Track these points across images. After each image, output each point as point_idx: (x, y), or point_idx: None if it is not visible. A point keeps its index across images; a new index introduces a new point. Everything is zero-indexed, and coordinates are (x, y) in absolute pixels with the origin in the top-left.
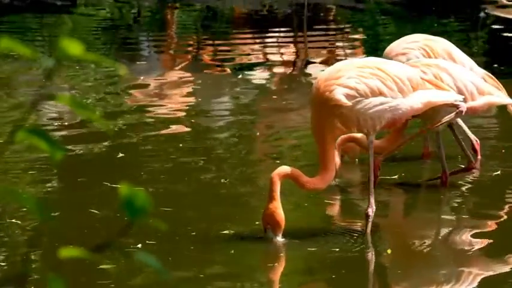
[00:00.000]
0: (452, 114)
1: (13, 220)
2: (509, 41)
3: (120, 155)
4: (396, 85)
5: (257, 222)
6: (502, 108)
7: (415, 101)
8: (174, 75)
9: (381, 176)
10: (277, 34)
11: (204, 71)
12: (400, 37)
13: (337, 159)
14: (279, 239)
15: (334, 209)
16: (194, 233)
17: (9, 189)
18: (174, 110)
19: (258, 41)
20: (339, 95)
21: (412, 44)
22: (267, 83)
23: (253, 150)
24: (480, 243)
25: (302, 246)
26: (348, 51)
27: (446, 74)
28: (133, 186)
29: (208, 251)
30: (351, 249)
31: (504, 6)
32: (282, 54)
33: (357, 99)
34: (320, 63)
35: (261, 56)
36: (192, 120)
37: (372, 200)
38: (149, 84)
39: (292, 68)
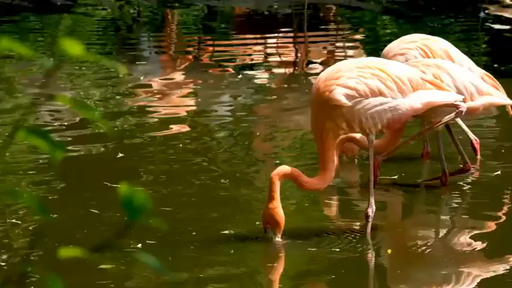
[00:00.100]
0: (452, 115)
1: (13, 220)
2: (509, 41)
3: (120, 155)
4: (396, 85)
5: (257, 223)
6: (502, 108)
7: (414, 101)
8: (174, 75)
9: (381, 176)
10: (277, 34)
11: (204, 71)
12: (400, 37)
13: (335, 159)
14: (279, 239)
15: (334, 209)
16: (194, 233)
17: (9, 189)
18: (174, 110)
19: (258, 41)
20: (339, 95)
21: (410, 44)
22: (267, 83)
23: (253, 151)
24: (480, 244)
25: (302, 247)
26: (348, 51)
27: (446, 74)
28: (133, 186)
29: (208, 251)
30: (351, 250)
31: (508, 6)
32: (282, 54)
33: (357, 99)
34: (320, 63)
35: (261, 56)
36: (192, 121)
37: (372, 200)
38: (149, 85)
39: (292, 68)
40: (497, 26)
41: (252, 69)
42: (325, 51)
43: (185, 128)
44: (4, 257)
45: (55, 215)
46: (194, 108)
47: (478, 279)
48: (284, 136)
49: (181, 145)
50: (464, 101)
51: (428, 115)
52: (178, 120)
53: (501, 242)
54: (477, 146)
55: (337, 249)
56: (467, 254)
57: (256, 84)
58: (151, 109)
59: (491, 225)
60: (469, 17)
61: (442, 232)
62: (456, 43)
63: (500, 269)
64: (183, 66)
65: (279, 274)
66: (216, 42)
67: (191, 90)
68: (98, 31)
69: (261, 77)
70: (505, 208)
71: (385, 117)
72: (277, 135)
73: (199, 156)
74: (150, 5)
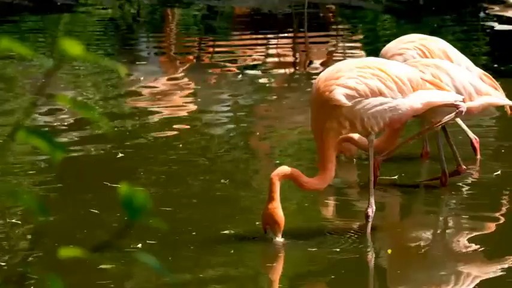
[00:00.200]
0: (452, 115)
1: (13, 220)
2: (509, 41)
3: (120, 155)
4: (396, 85)
5: (257, 223)
6: (502, 108)
7: (414, 101)
8: (174, 75)
9: (380, 176)
10: (277, 34)
11: (204, 71)
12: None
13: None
14: (279, 239)
15: (334, 209)
16: (194, 233)
17: (9, 189)
18: (174, 111)
19: (258, 41)
20: (339, 95)
21: (408, 44)
22: (267, 83)
23: (253, 151)
24: (480, 244)
25: (302, 247)
26: (348, 51)
27: (445, 74)
28: (133, 186)
29: (208, 251)
30: (351, 250)
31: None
32: (282, 54)
33: (357, 99)
34: (320, 63)
35: (261, 56)
36: (192, 121)
37: (372, 200)
38: (149, 85)
39: (292, 68)
40: (498, 26)
41: (252, 69)
42: (325, 51)
43: (185, 128)
44: (4, 257)
45: (55, 215)
46: (194, 108)
47: (478, 280)
48: (284, 136)
49: (181, 145)
50: (463, 101)
51: (428, 115)
52: (178, 121)
53: (501, 242)
54: (477, 145)
55: (337, 250)
56: (467, 254)
57: (256, 84)
58: (151, 109)
59: (491, 226)
60: (469, 17)
61: (442, 232)
62: (456, 43)
63: (499, 269)
64: (182, 66)
65: (279, 274)
66: (216, 43)
67: (191, 91)
68: (98, 31)
69: (261, 77)
70: (505, 209)
71: (385, 117)
72: (277, 136)
73: (199, 156)
74: (150, 4)
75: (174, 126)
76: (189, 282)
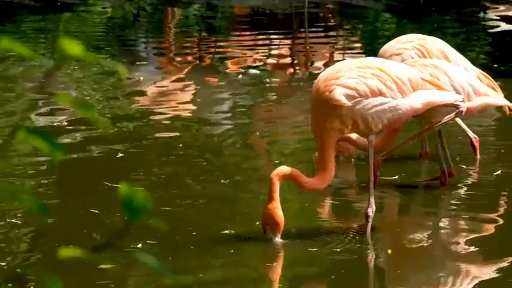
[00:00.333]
0: (452, 115)
1: (13, 220)
2: (509, 41)
3: (120, 155)
4: (396, 85)
5: (257, 223)
6: (500, 108)
7: (414, 101)
8: (174, 75)
9: (380, 176)
10: (277, 33)
11: (204, 71)
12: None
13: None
14: (279, 239)
15: (334, 209)
16: (194, 233)
17: (9, 189)
18: (174, 111)
19: (258, 41)
20: (339, 95)
21: (406, 44)
22: (267, 82)
23: (253, 151)
24: (479, 244)
25: (302, 247)
26: (348, 50)
27: (443, 74)
28: (133, 187)
29: (208, 251)
30: (351, 250)
31: None
32: (282, 54)
33: (357, 99)
34: (320, 63)
35: (261, 55)
36: (192, 121)
37: (372, 200)
38: (149, 85)
39: (292, 68)
40: (504, 26)
41: (252, 69)
42: (325, 51)
43: (185, 128)
44: (4, 257)
45: (55, 216)
46: (194, 108)
47: (477, 280)
48: (284, 136)
49: (181, 145)
50: (462, 101)
51: (428, 115)
52: (179, 121)
53: (501, 242)
54: (476, 145)
55: (337, 250)
56: (467, 255)
57: (257, 84)
58: (151, 109)
59: (491, 226)
60: (469, 17)
61: (442, 232)
62: (456, 43)
63: (499, 269)
64: (182, 66)
65: (279, 274)
66: (217, 43)
67: (191, 91)
68: (99, 31)
69: (261, 76)
70: (505, 209)
71: (385, 117)
72: (277, 136)
73: (199, 156)
74: (151, 2)
75: (174, 126)
76: (189, 282)
